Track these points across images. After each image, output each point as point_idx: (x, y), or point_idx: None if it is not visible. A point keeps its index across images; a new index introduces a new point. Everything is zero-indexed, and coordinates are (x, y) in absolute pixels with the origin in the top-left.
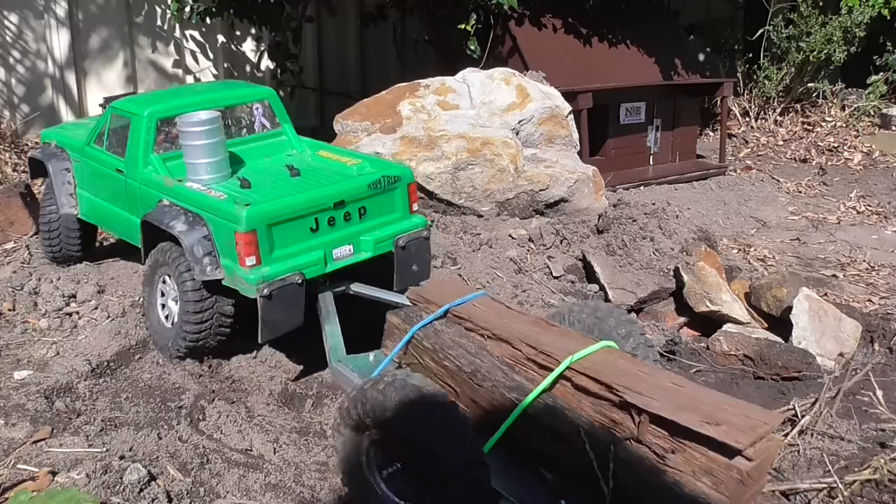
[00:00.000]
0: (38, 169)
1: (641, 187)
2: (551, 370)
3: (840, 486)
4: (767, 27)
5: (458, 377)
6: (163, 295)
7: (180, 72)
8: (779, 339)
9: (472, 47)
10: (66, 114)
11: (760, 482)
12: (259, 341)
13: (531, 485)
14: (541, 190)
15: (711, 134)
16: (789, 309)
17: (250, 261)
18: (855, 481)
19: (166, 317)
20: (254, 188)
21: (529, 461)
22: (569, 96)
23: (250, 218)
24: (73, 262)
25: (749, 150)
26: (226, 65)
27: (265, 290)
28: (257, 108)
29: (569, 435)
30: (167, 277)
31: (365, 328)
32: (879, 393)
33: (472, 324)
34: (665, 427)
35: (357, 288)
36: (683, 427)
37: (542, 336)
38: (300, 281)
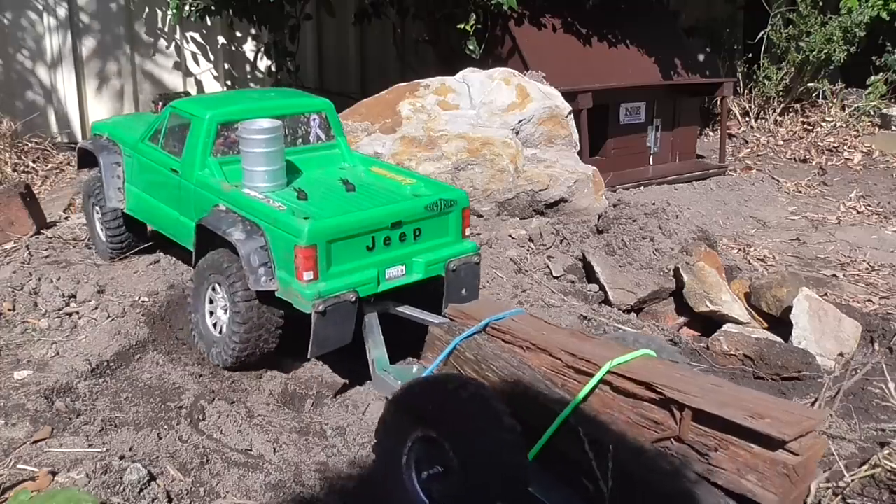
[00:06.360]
0: (85, 159)
1: (641, 187)
2: (591, 376)
3: (847, 476)
4: (767, 28)
5: (500, 389)
6: (211, 302)
7: (180, 73)
8: (779, 339)
9: (472, 47)
10: (66, 114)
11: (808, 481)
12: (308, 356)
13: (570, 494)
14: (541, 190)
15: (711, 134)
16: (789, 309)
17: (308, 275)
18: (854, 477)
19: (214, 324)
20: (310, 200)
21: (571, 471)
22: (569, 96)
23: (312, 232)
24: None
25: (749, 150)
26: (226, 66)
27: (321, 307)
28: (314, 119)
29: (606, 444)
30: (217, 285)
31: (396, 346)
32: (892, 385)
33: (512, 336)
34: (707, 424)
35: (399, 308)
36: (727, 422)
37: (582, 345)
38: (354, 299)
